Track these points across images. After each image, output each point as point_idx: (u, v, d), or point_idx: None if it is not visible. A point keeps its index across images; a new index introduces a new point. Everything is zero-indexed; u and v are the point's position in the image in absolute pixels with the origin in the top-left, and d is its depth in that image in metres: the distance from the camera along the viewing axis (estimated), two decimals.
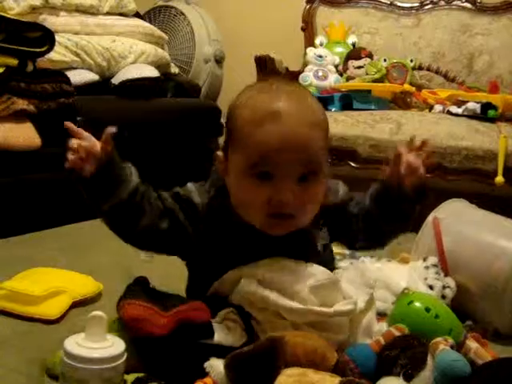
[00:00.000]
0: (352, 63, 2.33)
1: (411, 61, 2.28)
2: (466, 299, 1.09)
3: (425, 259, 1.12)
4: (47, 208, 1.67)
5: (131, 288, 0.80)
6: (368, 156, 1.98)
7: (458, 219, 1.18)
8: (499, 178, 1.73)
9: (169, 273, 1.26)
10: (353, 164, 2.01)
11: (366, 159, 1.98)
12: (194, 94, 2.46)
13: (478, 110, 1.89)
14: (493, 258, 1.07)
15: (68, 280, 1.08)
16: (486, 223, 1.18)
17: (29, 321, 0.96)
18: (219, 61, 2.84)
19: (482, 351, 0.77)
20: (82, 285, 1.07)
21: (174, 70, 2.43)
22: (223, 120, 2.46)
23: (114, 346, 0.63)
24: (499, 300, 1.05)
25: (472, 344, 0.78)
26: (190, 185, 0.91)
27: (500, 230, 1.13)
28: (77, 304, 1.04)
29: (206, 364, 0.69)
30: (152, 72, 2.14)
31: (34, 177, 1.66)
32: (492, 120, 1.87)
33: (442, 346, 0.73)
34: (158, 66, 2.26)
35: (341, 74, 2.37)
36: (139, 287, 0.81)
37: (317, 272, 0.84)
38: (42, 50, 1.69)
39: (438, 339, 0.76)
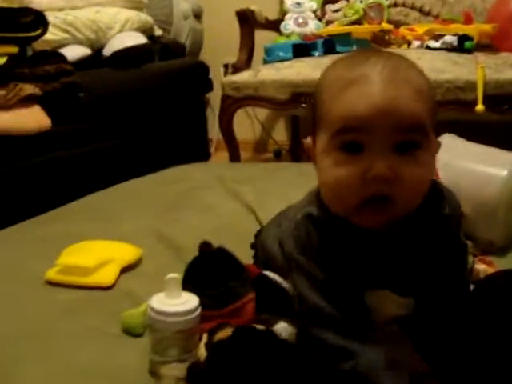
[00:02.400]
0: (329, 7, 2.41)
1: None
2: (462, 222, 1.23)
3: None
4: (66, 185, 1.78)
5: (191, 267, 0.87)
6: None
7: (448, 153, 1.31)
8: (480, 107, 1.85)
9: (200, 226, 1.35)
10: None
11: None
12: (180, 54, 2.53)
13: (455, 43, 1.99)
14: (483, 186, 1.19)
15: (112, 249, 1.17)
16: (475, 154, 1.30)
17: (87, 289, 1.06)
18: (198, 16, 2.89)
19: (489, 270, 0.91)
20: (125, 252, 1.17)
21: (158, 32, 2.49)
22: (211, 75, 2.55)
23: (186, 303, 0.77)
24: (492, 219, 1.18)
25: (480, 266, 0.92)
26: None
27: (488, 159, 1.26)
28: (124, 270, 1.13)
29: (277, 327, 0.78)
30: (140, 39, 2.21)
31: (49, 157, 1.77)
32: (469, 51, 1.98)
33: None
34: (143, 31, 2.32)
35: (319, 19, 2.45)
36: (198, 268, 0.87)
37: None
38: (37, 33, 1.77)
39: None
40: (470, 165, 1.25)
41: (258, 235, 1.10)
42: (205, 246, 0.87)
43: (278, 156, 3.11)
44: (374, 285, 0.77)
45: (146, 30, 2.36)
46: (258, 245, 1.07)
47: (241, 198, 1.52)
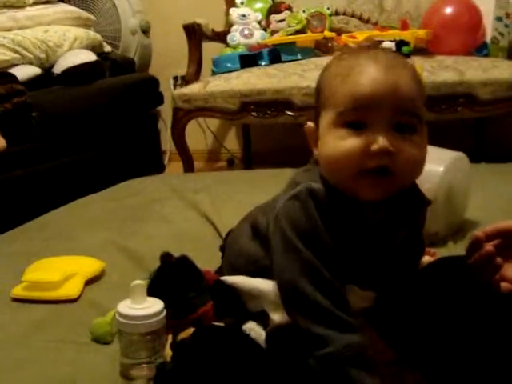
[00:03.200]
0: (274, 17, 2.49)
1: (328, 8, 2.47)
2: None
3: None
4: (23, 203, 1.80)
5: (154, 279, 0.92)
6: (303, 104, 2.18)
7: None
8: None
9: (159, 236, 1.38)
10: (290, 113, 2.20)
11: (301, 107, 2.18)
12: (130, 69, 2.58)
13: (394, 48, 2.10)
14: (422, 182, 1.28)
15: (75, 263, 1.20)
16: None
17: (54, 303, 1.09)
18: (146, 31, 2.93)
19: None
20: (88, 265, 1.20)
21: (107, 48, 2.53)
22: (161, 88, 2.60)
23: (151, 307, 0.82)
24: (432, 211, 1.27)
25: (425, 258, 1.00)
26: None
27: (426, 156, 1.35)
28: (88, 282, 1.16)
29: (246, 327, 0.82)
30: (90, 56, 2.25)
31: (6, 176, 1.78)
32: (407, 55, 2.08)
33: None
34: (92, 48, 2.36)
35: (265, 29, 2.53)
36: (161, 278, 0.91)
37: None
38: None
39: None
40: None
41: (227, 236, 1.11)
42: (166, 257, 0.91)
43: (230, 164, 3.17)
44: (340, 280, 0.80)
45: (95, 47, 2.40)
46: (226, 246, 1.06)
47: (197, 207, 1.56)
